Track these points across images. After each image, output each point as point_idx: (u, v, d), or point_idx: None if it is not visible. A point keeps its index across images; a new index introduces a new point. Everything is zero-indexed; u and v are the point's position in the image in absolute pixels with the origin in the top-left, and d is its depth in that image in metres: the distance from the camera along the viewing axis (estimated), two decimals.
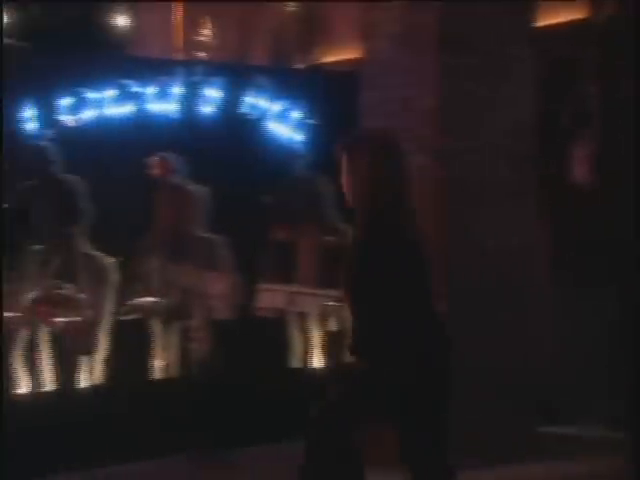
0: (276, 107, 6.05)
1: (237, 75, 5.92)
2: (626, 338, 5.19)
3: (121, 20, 11.95)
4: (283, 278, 6.26)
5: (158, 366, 5.70)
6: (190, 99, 5.79)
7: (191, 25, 9.41)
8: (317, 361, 6.18)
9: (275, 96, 6.05)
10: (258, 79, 5.98)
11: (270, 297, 6.03)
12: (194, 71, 5.79)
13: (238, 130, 6.27)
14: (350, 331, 3.30)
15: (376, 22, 5.55)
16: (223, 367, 5.39)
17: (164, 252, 5.70)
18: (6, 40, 11.08)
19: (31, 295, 5.41)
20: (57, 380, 5.38)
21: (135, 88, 5.62)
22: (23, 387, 5.30)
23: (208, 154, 6.05)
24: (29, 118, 5.36)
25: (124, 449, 5.20)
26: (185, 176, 5.82)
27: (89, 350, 5.49)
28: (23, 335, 5.36)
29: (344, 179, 3.26)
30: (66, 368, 5.40)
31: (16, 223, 5.36)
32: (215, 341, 5.49)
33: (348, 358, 3.34)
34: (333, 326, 6.21)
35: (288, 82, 6.16)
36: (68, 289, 5.52)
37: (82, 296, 5.53)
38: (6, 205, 5.31)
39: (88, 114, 5.51)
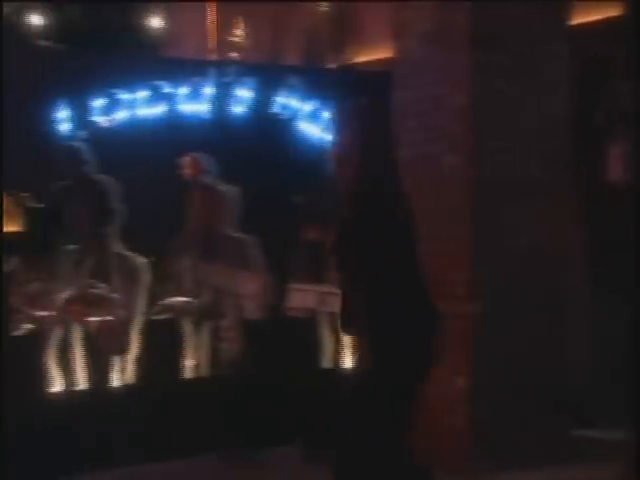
0: (307, 107, 6.04)
1: (269, 75, 5.93)
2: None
3: (156, 21, 12.03)
4: (314, 278, 6.25)
5: (189, 366, 5.72)
6: (222, 99, 5.80)
7: (224, 26, 9.44)
8: (347, 361, 6.16)
9: (306, 96, 6.05)
10: (290, 79, 5.97)
11: (301, 297, 6.02)
12: (226, 71, 5.80)
13: (269, 130, 6.28)
14: (343, 307, 3.25)
15: (407, 21, 5.53)
16: (254, 367, 5.39)
17: (195, 252, 5.72)
18: (42, 42, 11.21)
19: (65, 294, 5.45)
20: (89, 379, 5.42)
21: (167, 89, 5.64)
22: (56, 386, 5.34)
23: (239, 154, 6.06)
24: (63, 119, 5.40)
25: (155, 448, 5.23)
26: (216, 176, 5.84)
27: (121, 349, 5.53)
28: (57, 334, 5.40)
29: (334, 151, 3.27)
30: (98, 367, 5.44)
31: (51, 223, 5.41)
32: (246, 341, 5.50)
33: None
34: None
35: (320, 82, 6.15)
36: (101, 289, 5.56)
37: (115, 296, 5.57)
38: (41, 205, 5.35)
39: (121, 115, 5.54)
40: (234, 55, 8.81)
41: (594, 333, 5.73)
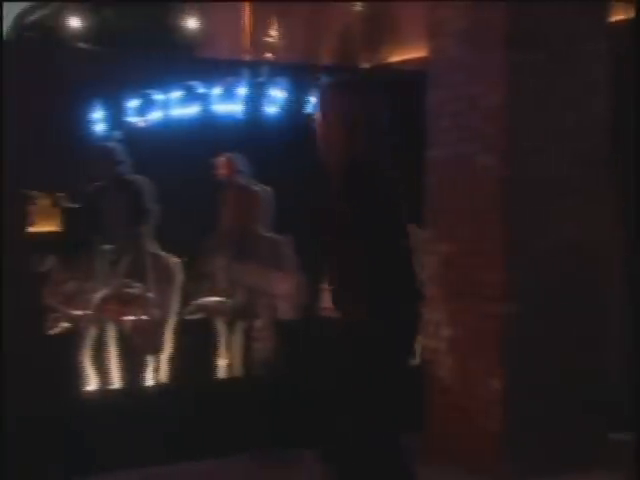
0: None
1: (302, 75, 5.92)
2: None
3: (191, 22, 12.09)
4: None
5: (222, 365, 5.73)
6: (255, 100, 5.81)
7: (259, 26, 9.46)
8: None
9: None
10: (323, 79, 5.96)
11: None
12: (259, 72, 5.80)
13: (303, 130, 6.25)
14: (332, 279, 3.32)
15: (442, 20, 5.50)
16: (287, 367, 5.39)
17: (229, 252, 5.74)
18: (79, 44, 11.31)
19: (100, 294, 5.49)
20: (123, 378, 5.45)
21: (201, 89, 5.66)
22: (91, 385, 5.38)
23: (273, 154, 6.06)
24: (98, 120, 5.44)
25: (187, 447, 5.25)
26: (250, 176, 5.85)
27: (155, 349, 5.56)
28: (92, 333, 5.44)
29: (320, 126, 3.29)
30: (132, 367, 5.47)
31: (86, 223, 5.45)
32: (279, 341, 5.50)
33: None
34: None
35: None
36: (136, 288, 5.60)
37: (150, 295, 5.60)
38: (77, 205, 5.40)
39: (155, 115, 5.57)
40: (268, 55, 8.82)
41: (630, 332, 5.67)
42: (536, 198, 5.08)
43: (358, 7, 8.44)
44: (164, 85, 5.57)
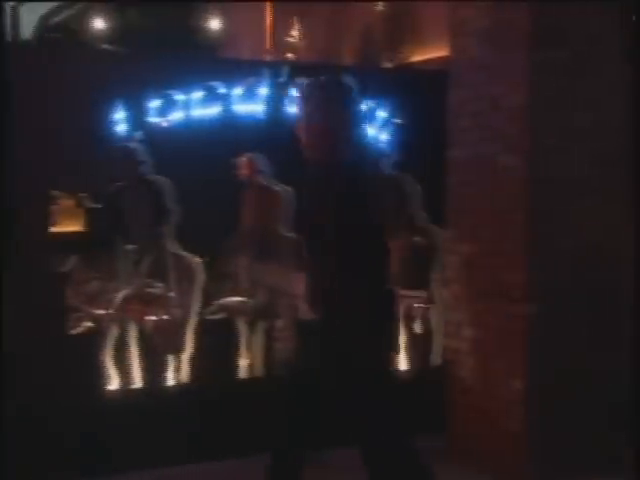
0: (363, 107, 6.01)
1: (323, 75, 5.90)
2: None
3: (214, 23, 12.14)
4: None
5: (243, 365, 5.74)
6: (277, 100, 5.80)
7: (280, 26, 9.47)
8: (402, 363, 6.13)
9: (362, 96, 6.01)
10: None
11: None
12: (281, 72, 5.80)
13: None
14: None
15: (464, 19, 5.49)
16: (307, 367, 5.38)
17: (250, 252, 5.74)
18: (102, 45, 11.38)
19: (123, 293, 5.52)
20: (145, 378, 5.48)
21: (222, 89, 5.66)
22: (113, 384, 5.41)
23: (294, 154, 6.05)
24: (120, 120, 5.45)
25: (208, 447, 5.26)
26: (271, 176, 5.85)
27: (177, 349, 5.58)
28: (114, 333, 5.47)
29: (300, 128, 3.32)
30: (154, 366, 5.50)
31: (108, 223, 5.47)
32: (300, 341, 5.49)
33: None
34: (419, 328, 6.16)
35: (375, 81, 6.11)
36: (158, 288, 5.62)
37: (172, 295, 5.62)
38: (99, 206, 5.42)
39: (177, 116, 5.58)
40: (290, 55, 8.83)
41: None
42: (557, 198, 5.05)
43: (379, 7, 8.44)
44: (185, 85, 5.58)
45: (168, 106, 5.55)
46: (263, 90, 5.81)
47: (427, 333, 6.15)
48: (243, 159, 5.80)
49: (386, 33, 8.37)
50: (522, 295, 5.03)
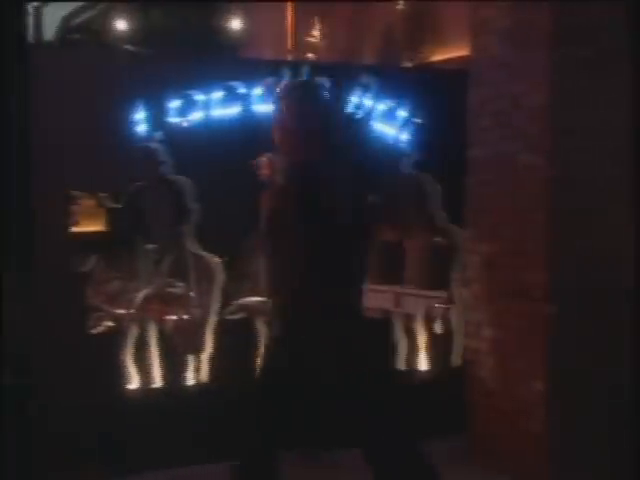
0: (382, 106, 6.01)
1: (343, 75, 5.90)
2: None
3: (235, 23, 12.17)
4: (390, 279, 6.21)
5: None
6: None
7: (301, 26, 9.48)
8: (422, 363, 6.11)
9: (382, 95, 6.01)
10: (364, 78, 5.95)
11: (376, 298, 5.99)
12: (302, 72, 5.80)
13: (344, 130, 6.25)
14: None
15: (486, 19, 5.47)
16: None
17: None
18: (124, 46, 11.42)
19: (143, 293, 5.53)
20: (164, 378, 5.49)
21: (242, 89, 5.66)
22: (133, 384, 5.42)
23: None
24: (140, 120, 5.47)
25: (228, 446, 5.26)
26: None
27: (196, 349, 5.59)
28: (134, 332, 5.49)
29: (276, 129, 3.33)
30: (174, 366, 5.51)
31: (129, 223, 5.49)
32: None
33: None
34: (439, 328, 6.14)
35: (396, 81, 6.10)
36: (179, 287, 5.63)
37: (192, 294, 5.63)
38: (120, 205, 5.45)
39: (197, 116, 5.59)
40: (310, 55, 8.83)
41: None
42: (579, 197, 5.02)
43: (400, 6, 8.42)
44: (205, 85, 5.59)
45: (188, 106, 5.56)
46: None
47: (447, 333, 6.13)
48: (263, 159, 5.79)
49: (407, 33, 8.36)
50: (543, 295, 5.00)
